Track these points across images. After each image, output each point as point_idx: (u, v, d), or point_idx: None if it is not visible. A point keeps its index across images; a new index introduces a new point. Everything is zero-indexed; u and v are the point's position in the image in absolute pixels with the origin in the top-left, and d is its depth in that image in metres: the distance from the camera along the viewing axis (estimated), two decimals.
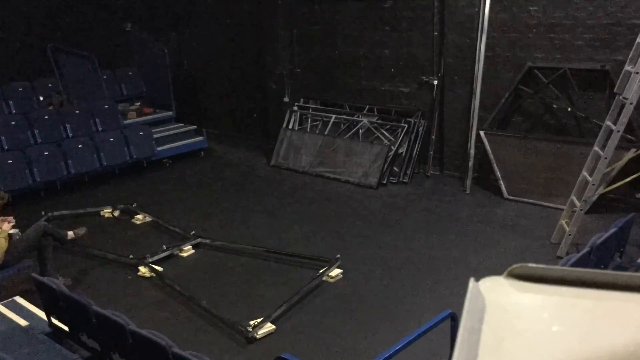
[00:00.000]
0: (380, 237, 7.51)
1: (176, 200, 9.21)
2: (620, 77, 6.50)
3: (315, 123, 10.69)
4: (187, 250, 7.20)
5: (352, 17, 10.12)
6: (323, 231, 7.74)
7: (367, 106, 10.16)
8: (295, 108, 10.92)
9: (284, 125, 10.82)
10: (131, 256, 7.00)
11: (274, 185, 9.72)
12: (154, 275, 6.62)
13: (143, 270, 6.69)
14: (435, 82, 9.29)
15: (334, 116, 10.39)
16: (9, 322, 5.34)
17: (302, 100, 10.96)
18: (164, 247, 7.15)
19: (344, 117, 10.29)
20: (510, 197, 8.37)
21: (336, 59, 10.52)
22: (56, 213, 8.42)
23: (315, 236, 7.61)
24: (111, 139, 10.23)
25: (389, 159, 9.46)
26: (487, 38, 8.47)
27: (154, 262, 6.83)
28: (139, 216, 8.33)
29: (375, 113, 10.04)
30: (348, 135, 10.11)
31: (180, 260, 7.07)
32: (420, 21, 9.32)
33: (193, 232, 7.51)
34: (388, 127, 9.84)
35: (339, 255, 6.61)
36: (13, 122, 9.84)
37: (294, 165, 10.42)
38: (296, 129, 10.82)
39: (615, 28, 7.45)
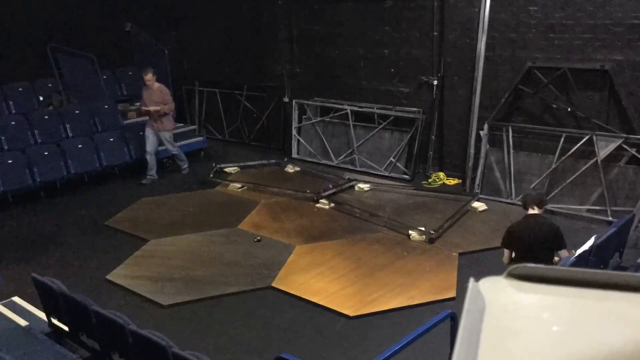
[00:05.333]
0: None
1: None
2: None
3: (316, 120, 10.72)
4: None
5: (352, 17, 10.12)
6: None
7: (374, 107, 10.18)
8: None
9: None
10: (308, 191, 8.72)
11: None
12: (332, 205, 8.36)
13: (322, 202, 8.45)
14: (435, 82, 9.29)
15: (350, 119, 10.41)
16: (9, 322, 5.34)
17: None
18: (330, 185, 8.91)
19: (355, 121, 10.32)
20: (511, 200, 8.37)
21: (336, 59, 10.51)
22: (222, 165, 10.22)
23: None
24: (111, 139, 10.23)
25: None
26: (487, 38, 8.46)
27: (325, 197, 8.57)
28: (289, 167, 10.20)
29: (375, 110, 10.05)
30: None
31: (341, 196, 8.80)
32: (420, 21, 9.31)
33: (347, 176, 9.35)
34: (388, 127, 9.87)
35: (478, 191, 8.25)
36: (13, 122, 9.84)
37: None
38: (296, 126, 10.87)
39: (615, 28, 7.44)
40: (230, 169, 10.32)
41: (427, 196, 8.75)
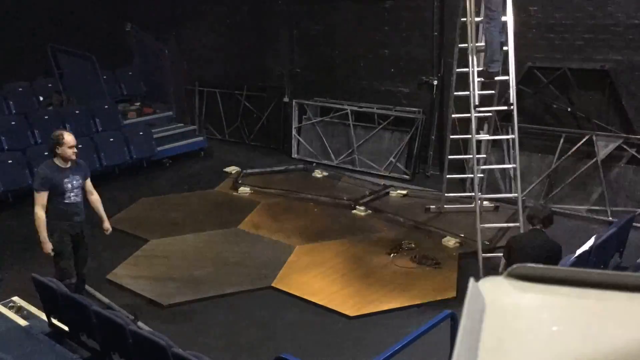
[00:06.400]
0: None
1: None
2: None
3: (316, 120, 10.72)
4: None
5: (352, 17, 10.12)
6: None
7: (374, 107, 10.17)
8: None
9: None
10: (345, 198, 8.58)
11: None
12: (369, 212, 8.13)
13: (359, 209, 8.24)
14: (435, 82, 9.29)
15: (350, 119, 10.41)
16: (9, 322, 5.34)
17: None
18: (367, 192, 8.79)
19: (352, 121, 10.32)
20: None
21: (336, 59, 10.51)
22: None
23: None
24: (111, 139, 10.21)
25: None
26: None
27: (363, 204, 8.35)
28: (317, 172, 9.96)
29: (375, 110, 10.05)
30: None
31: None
32: (420, 21, 9.31)
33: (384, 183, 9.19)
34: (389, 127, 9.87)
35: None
36: (13, 122, 9.83)
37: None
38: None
39: (615, 28, 7.44)
40: (232, 170, 10.15)
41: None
